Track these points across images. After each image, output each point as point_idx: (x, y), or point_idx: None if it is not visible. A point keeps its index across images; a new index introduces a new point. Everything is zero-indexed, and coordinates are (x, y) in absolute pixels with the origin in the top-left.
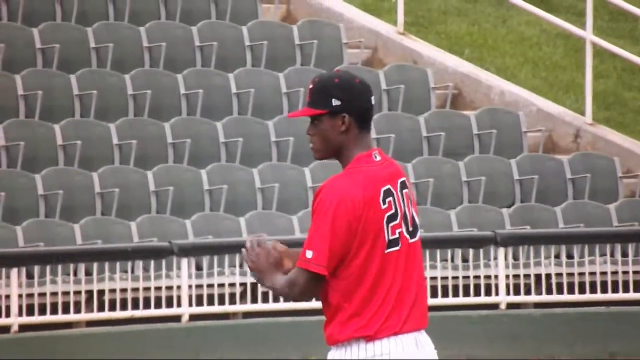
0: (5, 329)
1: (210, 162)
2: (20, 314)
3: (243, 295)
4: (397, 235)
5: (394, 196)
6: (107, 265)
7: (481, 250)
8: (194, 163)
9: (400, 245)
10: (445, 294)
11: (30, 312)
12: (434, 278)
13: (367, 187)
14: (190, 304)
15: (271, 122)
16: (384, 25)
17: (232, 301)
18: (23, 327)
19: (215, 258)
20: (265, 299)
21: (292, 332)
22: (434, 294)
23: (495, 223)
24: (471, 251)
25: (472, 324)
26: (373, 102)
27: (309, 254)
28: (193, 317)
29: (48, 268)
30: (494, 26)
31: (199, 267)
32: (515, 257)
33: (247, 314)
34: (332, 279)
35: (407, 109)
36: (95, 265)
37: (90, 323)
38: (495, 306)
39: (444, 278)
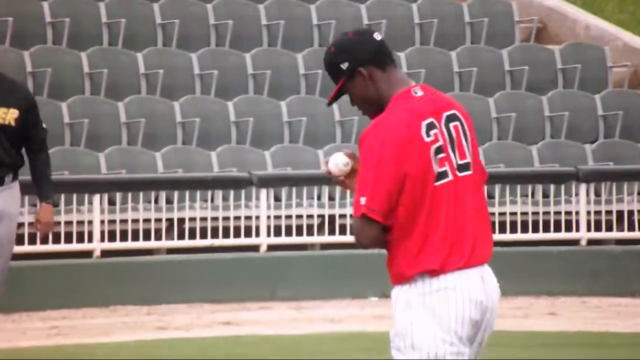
0: (88, 254)
1: (290, 94)
2: (102, 239)
3: (321, 227)
4: (445, 168)
5: (439, 128)
6: (187, 194)
7: (562, 186)
8: (275, 95)
9: (450, 177)
10: (525, 230)
11: (112, 238)
12: (513, 213)
13: (409, 123)
14: (269, 235)
15: None
16: None
17: (310, 232)
18: (105, 253)
19: (294, 189)
20: (342, 231)
21: (370, 265)
22: (514, 230)
23: (578, 159)
24: (552, 187)
25: (552, 260)
26: (378, 38)
27: (363, 200)
28: (271, 248)
29: (130, 195)
30: None
31: (277, 198)
32: (597, 194)
33: (325, 246)
34: (393, 218)
35: (491, 42)
36: (176, 194)
37: (171, 250)
38: (575, 242)
39: (524, 213)
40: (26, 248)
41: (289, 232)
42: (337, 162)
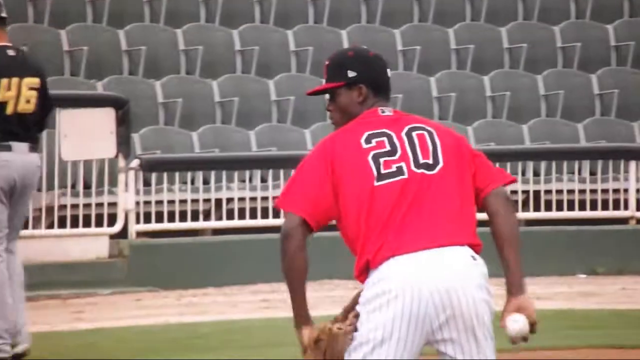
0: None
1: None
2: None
3: (525, 203)
4: (392, 169)
5: (391, 136)
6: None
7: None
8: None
9: (404, 175)
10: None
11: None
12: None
13: (345, 133)
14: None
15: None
16: None
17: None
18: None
19: (497, 165)
20: (548, 207)
21: (577, 242)
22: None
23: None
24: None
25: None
26: (389, 74)
27: (279, 195)
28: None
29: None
30: None
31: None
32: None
33: (531, 222)
34: (338, 224)
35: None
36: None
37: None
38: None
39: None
40: (236, 223)
41: None
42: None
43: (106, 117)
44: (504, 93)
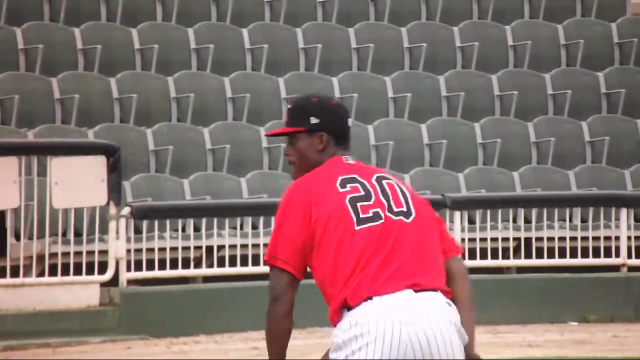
0: None
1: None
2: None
3: (517, 250)
4: (370, 214)
5: (363, 182)
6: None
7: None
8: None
9: (381, 220)
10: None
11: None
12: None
13: (318, 176)
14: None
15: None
16: None
17: (506, 256)
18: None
19: (488, 212)
20: (539, 255)
21: (568, 289)
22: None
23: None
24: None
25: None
26: (350, 123)
27: (267, 251)
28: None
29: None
30: None
31: (471, 221)
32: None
33: (521, 269)
34: (313, 268)
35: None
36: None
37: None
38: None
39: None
40: (227, 270)
41: (483, 255)
42: None
43: (97, 164)
44: (494, 140)
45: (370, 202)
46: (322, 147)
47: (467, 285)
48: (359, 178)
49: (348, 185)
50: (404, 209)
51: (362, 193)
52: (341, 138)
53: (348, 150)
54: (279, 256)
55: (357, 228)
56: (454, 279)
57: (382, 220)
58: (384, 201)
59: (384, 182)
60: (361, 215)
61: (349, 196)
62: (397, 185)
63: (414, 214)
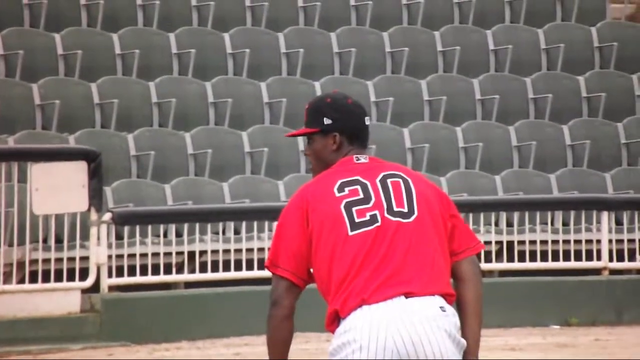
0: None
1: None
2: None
3: (499, 254)
4: (366, 218)
5: (365, 184)
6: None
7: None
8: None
9: (377, 223)
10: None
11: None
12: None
13: (318, 182)
14: None
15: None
16: None
17: (488, 259)
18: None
19: (470, 216)
20: (521, 258)
21: (551, 292)
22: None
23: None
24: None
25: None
26: (367, 122)
27: (267, 257)
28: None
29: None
30: None
31: None
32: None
33: (504, 273)
34: (314, 276)
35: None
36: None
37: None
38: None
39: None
40: (209, 275)
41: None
42: None
43: (78, 170)
44: (476, 144)
45: (369, 205)
46: (335, 147)
47: (475, 289)
48: (361, 179)
49: (346, 189)
50: (405, 209)
51: (361, 196)
52: (356, 137)
53: (365, 148)
54: (278, 263)
55: (350, 234)
56: (460, 282)
57: (377, 224)
58: (384, 202)
59: (389, 180)
60: (356, 220)
61: (345, 201)
62: (405, 182)
63: (415, 214)
